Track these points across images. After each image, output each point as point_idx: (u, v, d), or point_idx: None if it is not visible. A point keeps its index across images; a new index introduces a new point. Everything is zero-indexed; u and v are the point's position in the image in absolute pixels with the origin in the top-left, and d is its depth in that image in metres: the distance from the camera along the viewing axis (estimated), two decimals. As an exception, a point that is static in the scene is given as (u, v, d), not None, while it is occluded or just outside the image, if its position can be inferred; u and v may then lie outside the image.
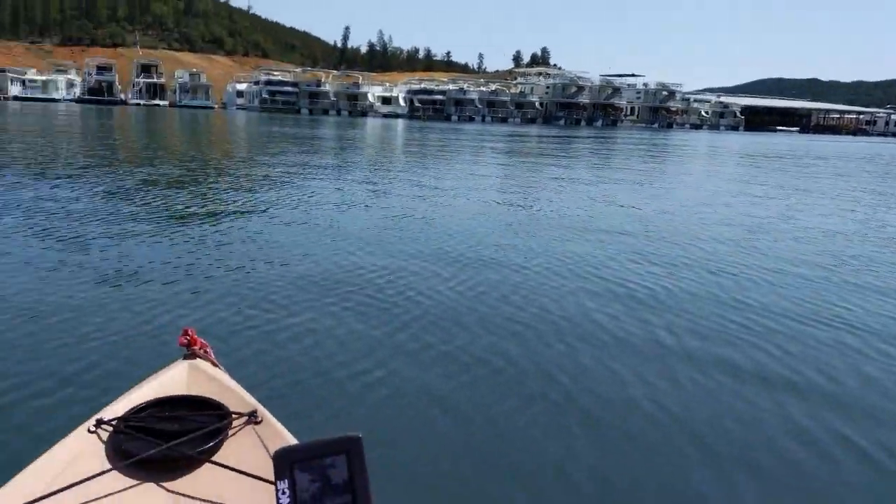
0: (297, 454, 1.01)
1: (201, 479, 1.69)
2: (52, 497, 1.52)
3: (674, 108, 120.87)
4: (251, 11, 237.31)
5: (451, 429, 3.64)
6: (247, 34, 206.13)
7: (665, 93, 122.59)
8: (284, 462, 1.01)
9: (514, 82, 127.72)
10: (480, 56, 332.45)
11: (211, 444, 1.76)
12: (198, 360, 2.19)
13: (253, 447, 1.78)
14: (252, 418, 1.88)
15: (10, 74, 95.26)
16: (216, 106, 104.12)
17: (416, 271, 6.96)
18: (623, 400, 4.11)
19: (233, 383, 2.08)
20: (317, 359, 4.44)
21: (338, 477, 1.00)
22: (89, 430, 1.82)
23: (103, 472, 1.65)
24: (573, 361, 4.69)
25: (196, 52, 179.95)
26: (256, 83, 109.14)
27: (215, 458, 1.74)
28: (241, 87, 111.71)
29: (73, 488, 1.55)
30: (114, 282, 6.09)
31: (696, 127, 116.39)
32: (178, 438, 1.75)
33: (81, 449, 1.76)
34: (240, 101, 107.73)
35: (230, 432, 1.83)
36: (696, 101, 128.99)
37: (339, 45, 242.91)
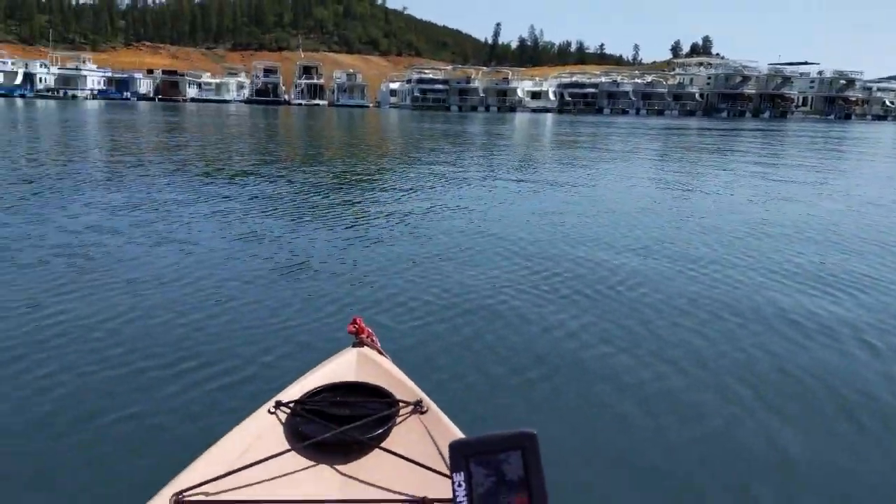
0: (473, 447, 0.99)
1: (371, 464, 1.76)
2: (239, 472, 1.64)
3: (853, 98, 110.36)
4: (406, 12, 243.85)
5: (617, 435, 3.40)
6: (401, 34, 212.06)
7: (843, 81, 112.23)
8: (460, 454, 0.99)
9: (673, 73, 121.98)
10: (636, 47, 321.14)
11: (380, 430, 1.84)
12: (365, 348, 2.30)
13: (419, 436, 1.84)
14: (418, 408, 1.95)
15: (188, 78, 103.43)
16: (371, 104, 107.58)
17: (581, 267, 6.75)
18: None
19: (398, 372, 2.18)
20: (479, 352, 4.44)
21: (513, 473, 0.98)
22: (269, 411, 1.95)
23: (283, 452, 1.76)
24: (768, 353, 4.29)
25: (353, 53, 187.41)
26: (408, 82, 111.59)
27: (384, 444, 1.81)
28: (394, 85, 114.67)
29: (258, 465, 1.68)
30: (289, 273, 6.37)
31: (880, 118, 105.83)
32: (350, 423, 1.83)
33: (263, 428, 1.90)
34: (393, 99, 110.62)
35: (398, 420, 1.91)
36: (879, 89, 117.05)
37: (490, 41, 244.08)
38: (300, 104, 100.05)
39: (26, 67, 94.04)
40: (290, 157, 19.99)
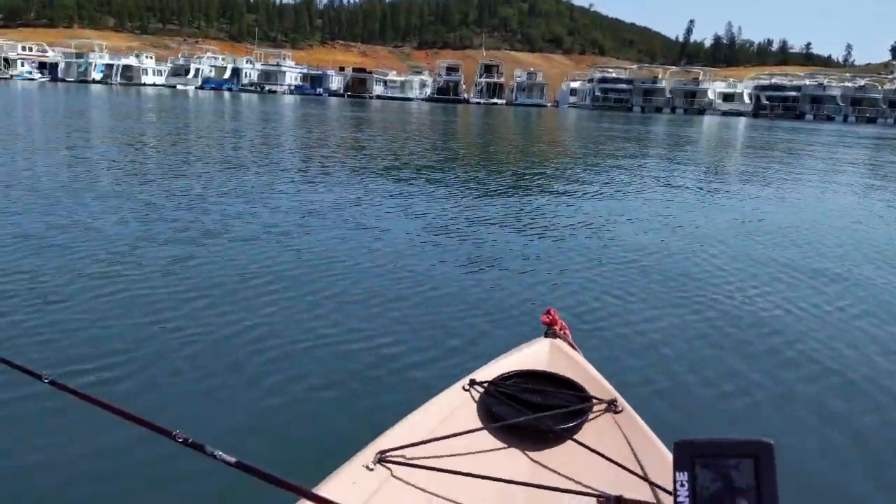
0: (701, 448, 0.96)
1: (561, 455, 1.81)
2: (433, 443, 1.77)
3: None
4: (592, 9, 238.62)
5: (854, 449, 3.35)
6: (585, 32, 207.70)
7: None
8: (685, 454, 0.96)
9: (890, 77, 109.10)
10: (848, 47, 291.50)
11: (573, 423, 1.88)
12: (558, 339, 2.37)
13: (613, 434, 1.88)
14: (612, 406, 1.99)
15: (375, 76, 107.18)
16: (548, 104, 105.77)
17: (775, 281, 6.55)
18: None
19: (591, 367, 2.25)
20: (671, 358, 4.35)
21: (742, 481, 0.93)
22: (464, 388, 2.07)
23: (475, 430, 1.86)
24: None
25: (535, 51, 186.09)
26: (590, 81, 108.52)
27: (577, 437, 1.85)
28: (575, 84, 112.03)
29: (450, 439, 1.79)
30: (480, 262, 6.79)
31: None
32: (542, 412, 1.89)
33: (457, 404, 2.00)
34: (572, 99, 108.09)
35: (590, 416, 1.94)
36: None
37: (681, 39, 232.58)
38: (478, 102, 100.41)
39: (234, 63, 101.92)
40: (471, 154, 20.54)
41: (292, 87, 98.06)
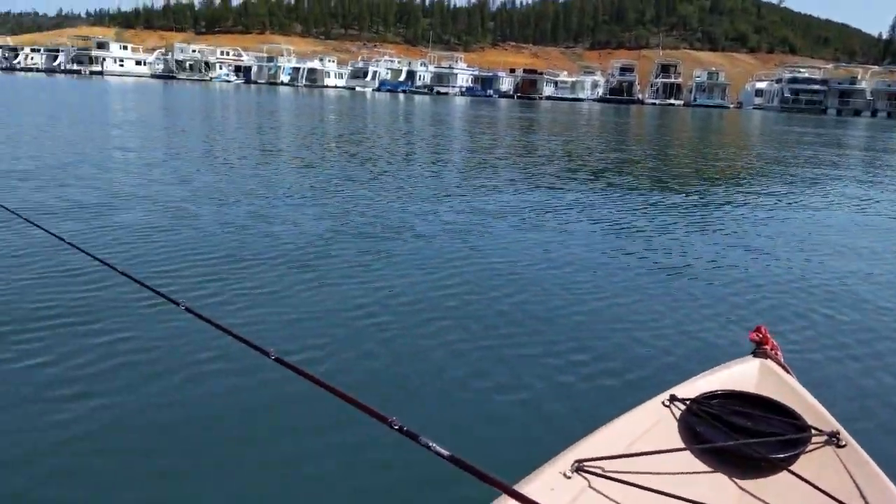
0: None
1: (774, 486, 1.71)
2: (632, 458, 1.71)
3: None
4: (782, 5, 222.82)
5: None
6: (774, 30, 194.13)
7: None
8: None
9: None
10: None
11: (789, 453, 1.77)
12: (768, 360, 2.21)
13: (835, 469, 1.76)
14: (834, 439, 1.85)
15: (546, 77, 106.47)
16: (731, 105, 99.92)
17: None
18: None
19: (806, 393, 2.10)
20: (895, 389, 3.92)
21: None
22: (663, 404, 1.98)
23: (677, 450, 1.79)
24: None
25: (717, 50, 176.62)
26: (778, 81, 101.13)
27: (793, 468, 1.74)
28: (761, 85, 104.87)
29: (650, 456, 1.73)
30: (678, 272, 6.46)
31: None
32: (752, 437, 1.79)
33: (656, 420, 1.92)
34: (757, 100, 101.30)
35: (809, 447, 1.83)
36: None
37: (885, 36, 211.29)
38: (654, 103, 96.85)
39: (409, 66, 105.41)
40: (651, 156, 19.84)
41: (463, 89, 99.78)
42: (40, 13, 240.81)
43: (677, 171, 15.98)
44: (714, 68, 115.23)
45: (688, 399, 1.95)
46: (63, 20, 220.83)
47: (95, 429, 3.24)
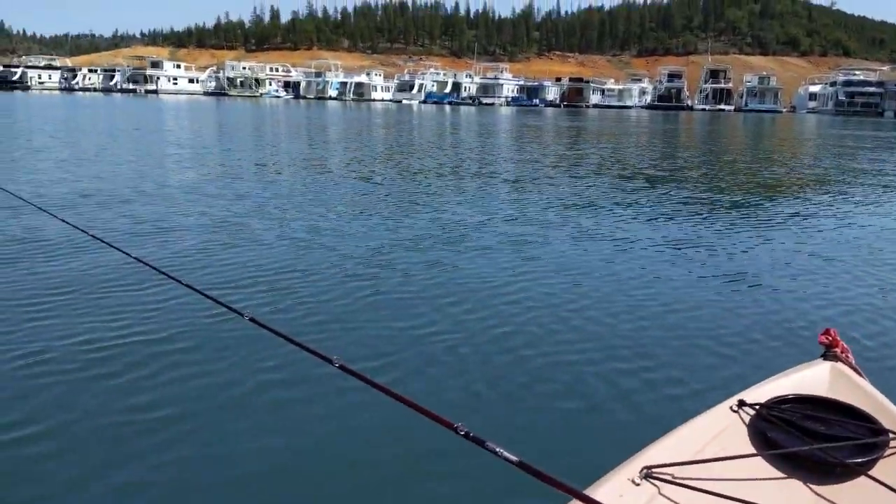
0: None
1: (852, 492, 1.68)
2: (701, 464, 1.68)
3: None
4: (834, 7, 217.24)
5: None
6: (826, 32, 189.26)
7: None
8: None
9: None
10: None
11: (867, 457, 1.73)
12: (839, 363, 2.18)
13: None
14: None
15: (593, 85, 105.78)
16: (783, 109, 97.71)
17: None
18: None
19: (881, 396, 2.05)
20: None
21: None
22: (732, 409, 1.95)
23: (748, 455, 1.76)
24: None
25: (767, 54, 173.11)
26: (832, 84, 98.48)
27: (871, 473, 1.70)
28: (815, 88, 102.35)
29: (720, 462, 1.70)
30: (740, 276, 6.39)
31: None
32: (826, 442, 1.75)
33: (725, 425, 1.89)
34: (811, 104, 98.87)
35: (887, 451, 1.78)
36: None
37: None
38: (703, 109, 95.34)
39: (454, 77, 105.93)
40: (705, 161, 19.55)
41: (508, 99, 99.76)
42: (97, 34, 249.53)
43: (734, 176, 15.66)
44: (765, 73, 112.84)
45: (757, 404, 1.91)
46: (119, 40, 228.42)
47: (162, 438, 3.31)
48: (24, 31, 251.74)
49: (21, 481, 2.95)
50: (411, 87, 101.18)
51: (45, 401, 3.59)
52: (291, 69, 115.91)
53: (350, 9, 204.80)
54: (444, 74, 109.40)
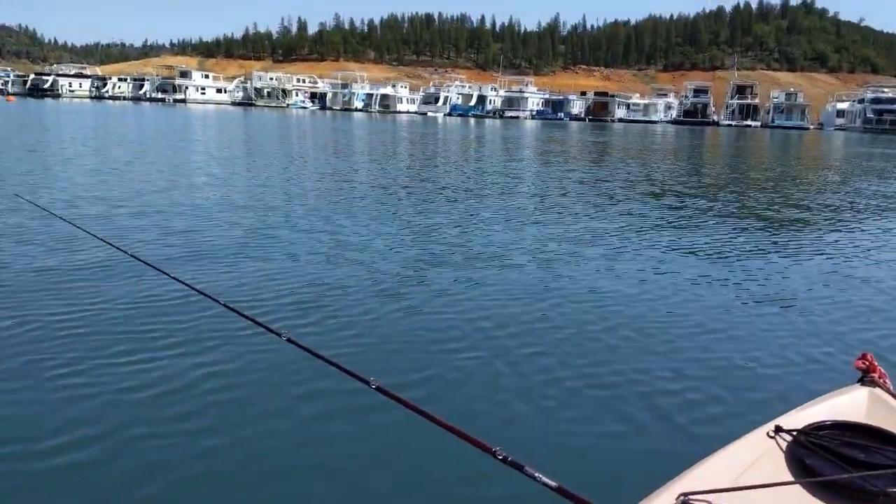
0: None
1: None
2: (739, 491, 1.65)
3: None
4: (863, 23, 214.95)
5: None
6: (855, 49, 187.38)
7: None
8: None
9: None
10: None
11: None
12: (876, 388, 2.15)
13: None
14: None
15: (618, 99, 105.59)
16: (811, 126, 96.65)
17: None
18: None
19: None
20: None
21: None
22: (769, 435, 1.92)
23: (786, 483, 1.72)
24: None
25: (794, 70, 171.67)
26: (860, 101, 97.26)
27: None
28: (843, 105, 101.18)
29: (758, 489, 1.67)
30: (777, 298, 6.32)
31: None
32: (866, 469, 1.72)
33: (762, 451, 1.87)
34: (839, 120, 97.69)
35: None
36: None
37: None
38: (729, 125, 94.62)
39: (480, 90, 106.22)
40: (734, 179, 19.23)
41: (533, 112, 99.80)
42: (127, 44, 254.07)
43: (765, 195, 15.46)
44: (792, 89, 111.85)
45: (794, 430, 1.88)
46: (149, 50, 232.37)
47: (197, 454, 3.33)
48: (55, 39, 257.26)
49: (59, 491, 2.99)
50: (437, 100, 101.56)
51: (86, 413, 3.64)
52: (318, 80, 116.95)
53: (377, 21, 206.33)
54: (470, 87, 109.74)
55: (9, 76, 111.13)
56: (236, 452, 3.36)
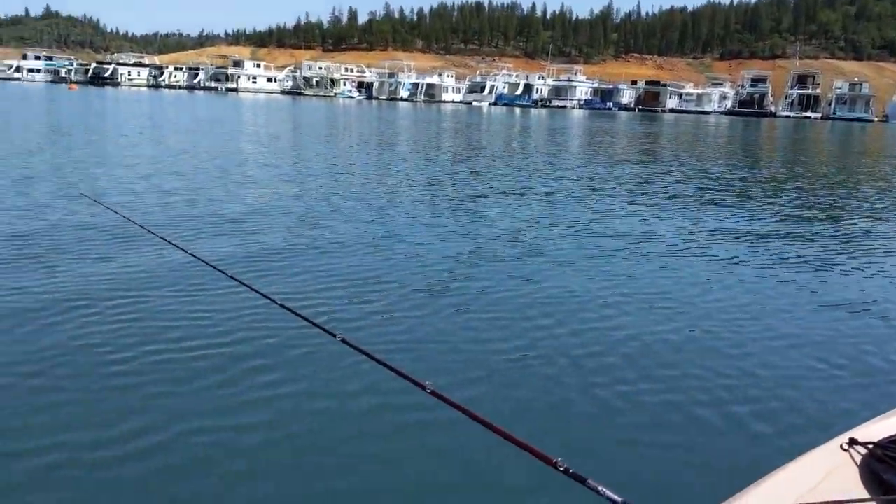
0: None
1: None
2: None
3: None
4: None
5: None
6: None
7: None
8: None
9: None
10: None
11: None
12: None
13: None
14: None
15: (670, 89, 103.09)
16: (875, 118, 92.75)
17: None
18: None
19: None
20: None
21: None
22: (842, 447, 1.84)
23: (860, 501, 1.65)
24: None
25: (861, 59, 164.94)
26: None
27: None
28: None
29: None
30: (851, 302, 6.05)
31: None
32: None
33: (834, 465, 1.79)
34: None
35: None
36: None
37: None
38: (787, 116, 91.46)
39: (527, 79, 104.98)
40: (799, 176, 18.56)
41: (581, 102, 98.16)
42: (184, 34, 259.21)
43: (834, 192, 14.73)
44: (857, 79, 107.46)
45: (870, 442, 1.75)
46: (204, 40, 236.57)
47: (251, 457, 3.29)
48: (117, 29, 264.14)
49: (123, 484, 2.97)
50: (482, 89, 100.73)
51: (143, 415, 3.63)
52: (366, 70, 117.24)
53: (426, 10, 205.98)
54: (517, 76, 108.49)
55: (72, 65, 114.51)
56: (287, 453, 3.31)
